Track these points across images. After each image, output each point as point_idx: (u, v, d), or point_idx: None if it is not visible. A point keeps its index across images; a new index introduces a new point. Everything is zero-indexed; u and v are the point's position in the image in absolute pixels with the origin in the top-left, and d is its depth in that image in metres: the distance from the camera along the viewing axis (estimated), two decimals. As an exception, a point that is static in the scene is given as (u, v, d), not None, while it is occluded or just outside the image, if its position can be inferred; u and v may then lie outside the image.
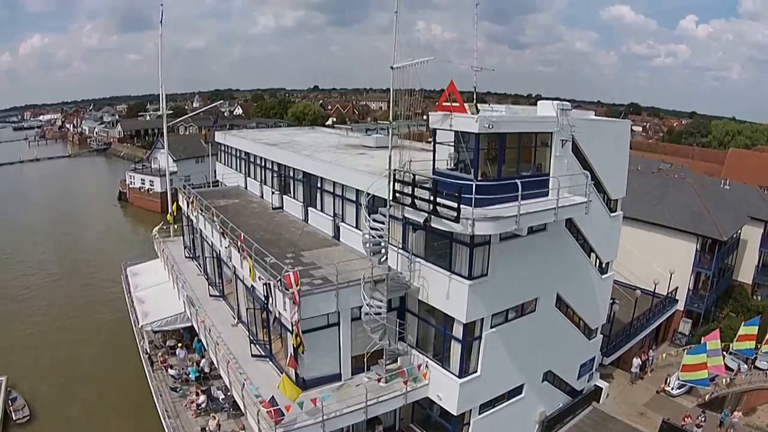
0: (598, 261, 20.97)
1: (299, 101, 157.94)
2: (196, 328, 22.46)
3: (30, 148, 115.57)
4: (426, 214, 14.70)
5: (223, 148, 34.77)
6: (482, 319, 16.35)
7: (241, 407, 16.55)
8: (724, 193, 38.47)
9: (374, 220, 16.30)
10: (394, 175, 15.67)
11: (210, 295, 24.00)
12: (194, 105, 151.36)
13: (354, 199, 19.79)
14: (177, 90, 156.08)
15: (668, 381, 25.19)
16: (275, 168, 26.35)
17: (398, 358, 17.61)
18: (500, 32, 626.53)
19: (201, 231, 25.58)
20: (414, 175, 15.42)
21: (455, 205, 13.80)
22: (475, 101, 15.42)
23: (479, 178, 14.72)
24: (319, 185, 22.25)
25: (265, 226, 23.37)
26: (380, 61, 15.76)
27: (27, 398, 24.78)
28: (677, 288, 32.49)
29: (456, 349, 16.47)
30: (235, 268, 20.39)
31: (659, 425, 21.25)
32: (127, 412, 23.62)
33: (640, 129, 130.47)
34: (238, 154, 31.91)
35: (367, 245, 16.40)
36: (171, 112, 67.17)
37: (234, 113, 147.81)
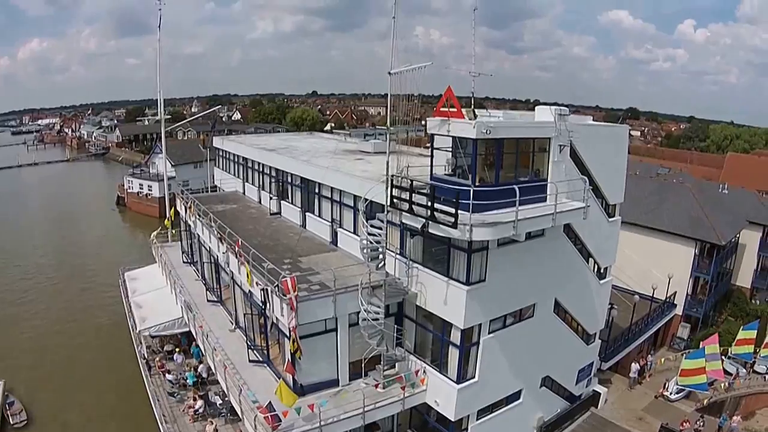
0: (596, 266, 21.01)
1: (297, 106, 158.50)
2: (194, 333, 22.40)
3: (28, 152, 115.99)
4: (424, 220, 14.71)
5: (221, 154, 34.83)
6: (480, 325, 16.33)
7: (239, 412, 16.47)
8: (723, 198, 38.48)
9: (372, 226, 16.25)
10: (392, 180, 15.71)
11: (208, 301, 23.93)
12: (193, 110, 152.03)
13: (352, 204, 19.74)
14: (175, 95, 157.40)
15: (667, 386, 25.21)
16: (273, 173, 26.32)
17: (396, 364, 17.58)
18: (498, 37, 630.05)
19: (199, 236, 25.54)
20: (412, 180, 15.46)
21: (453, 210, 13.79)
22: (472, 107, 15.45)
23: (477, 184, 14.74)
24: (317, 191, 22.25)
25: (262, 231, 23.34)
26: (379, 67, 15.76)
27: (24, 402, 24.70)
28: (676, 292, 32.55)
29: (454, 355, 16.43)
30: (232, 273, 20.34)
31: (658, 430, 21.29)
32: (125, 416, 23.55)
33: (639, 134, 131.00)
34: (236, 160, 31.92)
35: (365, 251, 16.36)
36: (169, 116, 67.52)
37: (232, 118, 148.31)
